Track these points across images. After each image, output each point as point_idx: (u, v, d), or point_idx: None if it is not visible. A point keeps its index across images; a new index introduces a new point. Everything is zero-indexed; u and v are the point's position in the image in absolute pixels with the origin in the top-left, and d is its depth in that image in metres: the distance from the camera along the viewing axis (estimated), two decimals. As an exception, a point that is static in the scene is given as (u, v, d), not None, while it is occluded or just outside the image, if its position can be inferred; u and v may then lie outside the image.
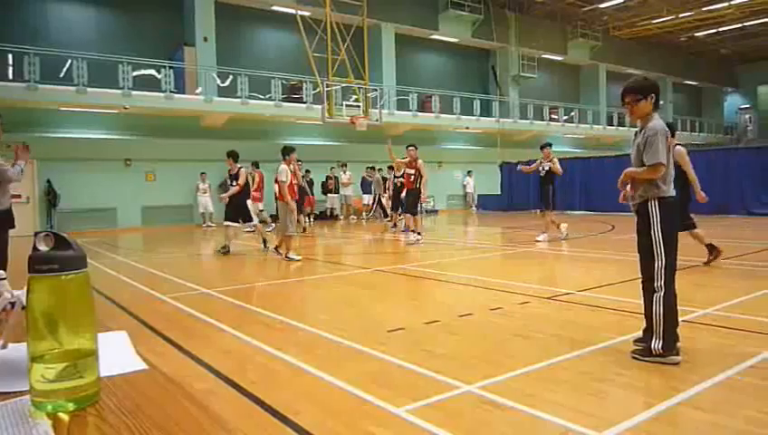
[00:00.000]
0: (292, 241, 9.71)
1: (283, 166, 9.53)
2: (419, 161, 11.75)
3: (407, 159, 11.92)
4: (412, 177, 11.89)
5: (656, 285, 3.78)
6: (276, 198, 9.54)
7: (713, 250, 7.80)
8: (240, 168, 10.77)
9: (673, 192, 3.87)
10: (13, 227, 5.91)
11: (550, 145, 11.69)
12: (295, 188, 9.73)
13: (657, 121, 3.80)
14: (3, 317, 1.43)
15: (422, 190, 11.84)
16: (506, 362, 3.77)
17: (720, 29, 31.70)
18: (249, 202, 16.37)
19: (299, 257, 9.55)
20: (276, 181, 9.42)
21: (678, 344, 3.69)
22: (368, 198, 20.72)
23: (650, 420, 2.80)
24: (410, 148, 11.90)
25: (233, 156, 10.78)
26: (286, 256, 9.58)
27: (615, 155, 23.57)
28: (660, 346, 3.63)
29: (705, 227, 13.54)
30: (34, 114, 16.81)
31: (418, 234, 11.81)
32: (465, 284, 7.16)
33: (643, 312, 3.88)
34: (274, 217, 18.53)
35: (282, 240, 9.74)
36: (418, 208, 12.51)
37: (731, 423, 2.78)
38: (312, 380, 3.59)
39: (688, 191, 7.57)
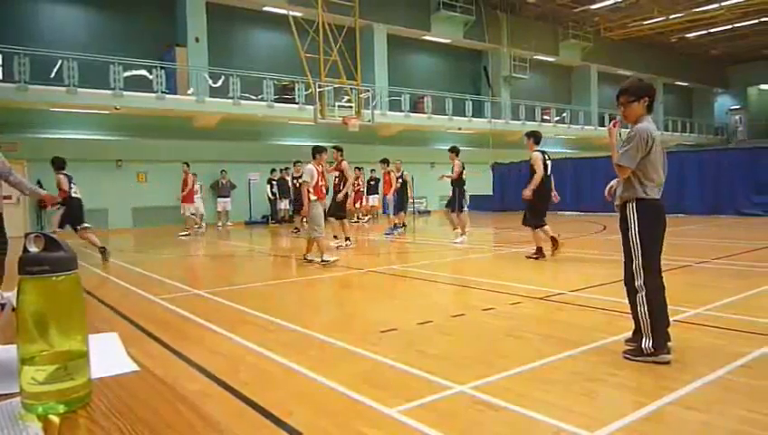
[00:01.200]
0: (322, 242, 9.01)
1: (310, 166, 9.14)
2: (344, 163, 11.17)
3: (335, 165, 11.28)
4: (336, 179, 11.37)
5: (636, 284, 3.80)
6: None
7: (540, 251, 9.00)
8: (60, 174, 9.62)
9: (655, 195, 3.87)
10: None
11: (452, 150, 11.76)
12: (323, 189, 9.20)
13: (643, 124, 3.82)
14: (-8, 319, 1.42)
15: (346, 193, 11.39)
16: (499, 363, 3.77)
17: (711, 30, 31.92)
18: (186, 205, 15.83)
19: (334, 258, 8.95)
20: (299, 181, 8.91)
21: (670, 343, 3.71)
22: (373, 199, 20.48)
23: (642, 420, 2.81)
24: (333, 151, 11.17)
25: (55, 163, 9.74)
26: (305, 258, 9.09)
27: (606, 156, 23.72)
28: (651, 345, 3.65)
29: (697, 227, 13.68)
30: (25, 115, 16.71)
31: (347, 239, 11.16)
32: (457, 284, 7.17)
33: (630, 312, 3.91)
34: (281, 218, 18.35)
35: (310, 243, 9.15)
36: (346, 213, 11.94)
37: (723, 423, 2.80)
38: (304, 380, 3.59)
39: (550, 194, 9.26)
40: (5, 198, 6.64)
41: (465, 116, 26.28)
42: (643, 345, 3.67)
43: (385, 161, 14.65)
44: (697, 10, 28.41)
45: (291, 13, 18.14)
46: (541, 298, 5.85)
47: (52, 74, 16.72)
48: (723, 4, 27.38)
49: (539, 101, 30.16)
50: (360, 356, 4.05)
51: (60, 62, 16.85)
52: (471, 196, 25.60)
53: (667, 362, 3.61)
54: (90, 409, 0.83)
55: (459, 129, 26.31)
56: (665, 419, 2.85)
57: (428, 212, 25.18)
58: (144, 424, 0.77)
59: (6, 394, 0.88)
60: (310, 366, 3.79)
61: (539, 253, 8.98)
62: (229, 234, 16.67)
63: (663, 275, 3.91)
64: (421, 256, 10.22)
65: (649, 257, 3.78)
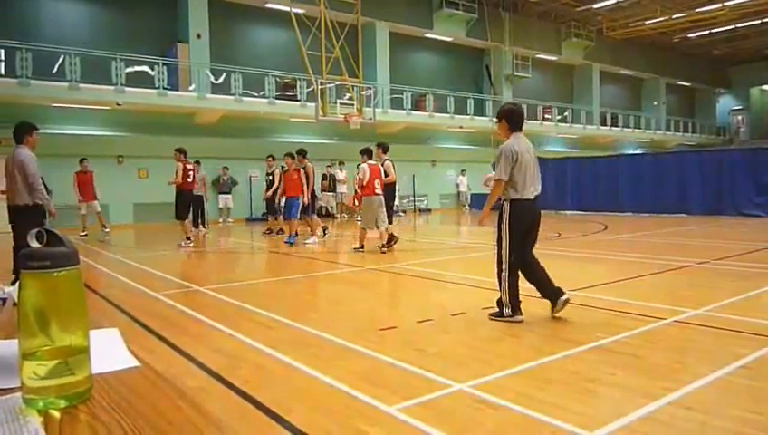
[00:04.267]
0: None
1: (364, 165, 10.14)
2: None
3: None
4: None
5: (502, 266, 4.88)
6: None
7: (391, 239, 10.23)
8: None
9: (525, 195, 4.84)
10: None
11: (299, 152, 11.92)
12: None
13: (507, 142, 4.92)
14: (-6, 314, 1.42)
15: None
16: (498, 361, 3.78)
17: (713, 30, 31.86)
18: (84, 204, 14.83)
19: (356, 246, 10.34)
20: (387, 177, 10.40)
21: (520, 307, 4.83)
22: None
23: (641, 420, 2.82)
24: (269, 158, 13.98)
25: None
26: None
27: (608, 155, 23.71)
28: (509, 311, 4.79)
29: (698, 227, 13.68)
30: (27, 110, 16.64)
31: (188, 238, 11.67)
32: (457, 283, 7.17)
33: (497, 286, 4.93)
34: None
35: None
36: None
37: (721, 423, 2.80)
38: (304, 378, 3.59)
39: (394, 193, 11.54)
40: (3, 192, 6.80)
41: (466, 114, 26.26)
42: (504, 311, 4.81)
43: (300, 154, 12.05)
44: (699, 10, 28.34)
45: (293, 9, 18.08)
46: (540, 297, 5.85)
47: (55, 70, 16.73)
48: (725, 4, 27.32)
49: (541, 99, 30.14)
50: (359, 354, 4.06)
51: (62, 57, 16.84)
52: (473, 194, 25.86)
53: (521, 322, 4.75)
54: (90, 404, 0.84)
55: (461, 127, 26.30)
56: (664, 419, 2.86)
57: (429, 210, 25.19)
58: (144, 420, 0.78)
59: (8, 389, 0.88)
60: (310, 364, 3.80)
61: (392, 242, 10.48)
62: (230, 230, 16.68)
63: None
64: (421, 255, 10.22)
65: (513, 245, 4.85)
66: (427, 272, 7.90)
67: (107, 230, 14.64)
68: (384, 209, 10.14)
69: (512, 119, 5.00)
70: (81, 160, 14.77)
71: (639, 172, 18.97)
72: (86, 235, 14.44)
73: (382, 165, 10.56)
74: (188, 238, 11.49)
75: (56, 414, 0.80)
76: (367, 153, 10.43)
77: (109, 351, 1.08)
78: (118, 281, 7.75)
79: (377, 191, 9.99)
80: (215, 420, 0.79)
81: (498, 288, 4.92)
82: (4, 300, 1.40)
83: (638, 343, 4.12)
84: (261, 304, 5.87)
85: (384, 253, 9.88)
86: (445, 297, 6.41)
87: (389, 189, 10.93)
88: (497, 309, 4.90)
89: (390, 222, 11.00)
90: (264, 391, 3.33)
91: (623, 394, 3.23)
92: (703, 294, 5.89)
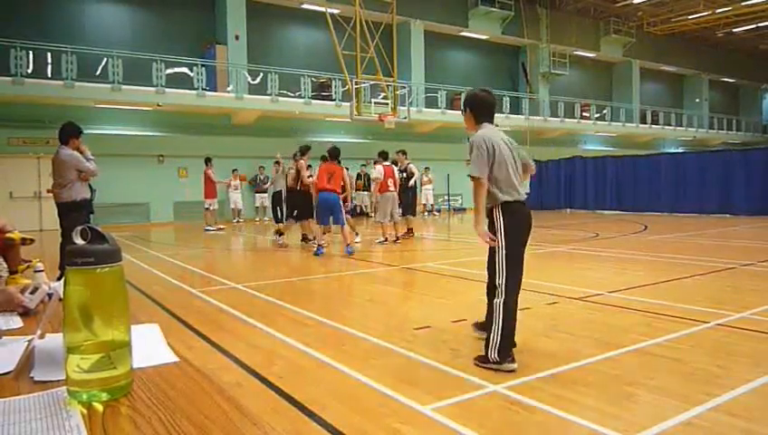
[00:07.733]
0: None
1: (379, 166, 11.50)
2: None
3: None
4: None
5: (496, 292, 3.74)
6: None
7: (408, 232, 12.14)
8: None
9: (517, 196, 3.83)
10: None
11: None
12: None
13: (478, 133, 4.03)
14: (41, 308, 1.48)
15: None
16: (534, 363, 3.73)
17: (759, 24, 30.80)
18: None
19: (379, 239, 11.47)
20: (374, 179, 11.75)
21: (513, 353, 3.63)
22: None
23: (682, 426, 2.75)
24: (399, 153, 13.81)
25: None
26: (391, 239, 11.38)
27: (648, 154, 23.14)
28: (496, 356, 3.57)
29: (743, 228, 13.24)
30: (71, 111, 17.19)
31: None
32: (492, 283, 7.10)
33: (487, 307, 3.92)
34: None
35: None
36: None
37: (766, 431, 2.71)
38: (338, 376, 3.61)
39: (414, 191, 12.85)
40: (51, 191, 7.06)
41: (501, 113, 25.97)
42: (490, 354, 3.58)
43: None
44: (745, 3, 27.44)
45: (328, 10, 18.19)
46: (578, 298, 5.76)
47: (98, 72, 17.23)
48: (773, -4, 26.41)
49: (578, 97, 29.62)
50: (393, 353, 4.06)
51: (105, 59, 17.35)
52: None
53: (513, 371, 3.50)
54: (131, 398, 0.86)
55: (496, 125, 26.00)
56: (705, 425, 2.77)
57: (464, 210, 25.03)
58: (183, 414, 0.79)
59: (54, 381, 0.91)
60: (344, 361, 3.82)
61: (409, 233, 12.14)
62: (267, 229, 16.88)
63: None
64: (456, 254, 10.17)
65: (511, 261, 3.72)
66: (461, 271, 7.85)
67: (221, 227, 15.91)
68: (397, 205, 11.47)
69: (477, 107, 4.17)
70: (208, 161, 15.80)
71: (681, 171, 18.48)
72: (222, 228, 15.84)
73: (405, 168, 12.25)
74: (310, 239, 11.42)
75: (99, 407, 0.82)
76: (382, 155, 11.80)
77: (149, 346, 1.11)
78: (158, 277, 7.92)
79: (390, 189, 11.28)
80: (250, 415, 0.80)
81: (485, 320, 3.92)
82: (51, 295, 1.45)
83: (679, 347, 4.02)
84: (296, 301, 5.93)
85: (398, 243, 11.17)
86: (480, 297, 6.34)
87: (407, 187, 12.47)
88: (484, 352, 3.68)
89: (414, 214, 12.61)
90: (298, 387, 3.36)
91: (663, 399, 3.15)
92: (747, 297, 5.71)
